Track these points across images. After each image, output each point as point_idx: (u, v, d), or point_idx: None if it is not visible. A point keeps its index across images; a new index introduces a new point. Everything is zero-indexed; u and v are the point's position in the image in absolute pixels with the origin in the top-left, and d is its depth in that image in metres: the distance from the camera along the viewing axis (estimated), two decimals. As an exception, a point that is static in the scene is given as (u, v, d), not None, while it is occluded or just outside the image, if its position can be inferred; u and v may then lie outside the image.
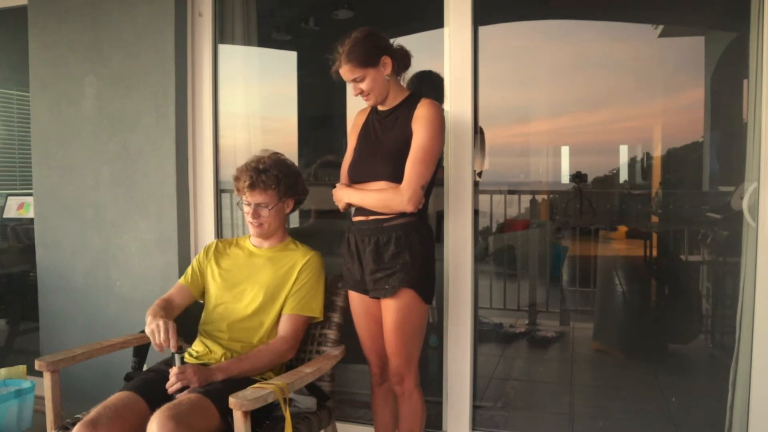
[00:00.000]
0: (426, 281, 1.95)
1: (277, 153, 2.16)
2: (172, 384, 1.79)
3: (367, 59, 1.90)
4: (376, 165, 1.95)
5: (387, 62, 1.92)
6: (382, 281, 1.92)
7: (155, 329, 1.82)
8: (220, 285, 2.12)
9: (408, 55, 2.03)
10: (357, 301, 2.06)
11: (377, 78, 1.92)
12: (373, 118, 2.04)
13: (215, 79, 2.74)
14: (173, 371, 1.80)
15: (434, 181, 1.97)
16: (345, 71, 1.93)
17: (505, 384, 3.29)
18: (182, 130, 2.68)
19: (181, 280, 2.17)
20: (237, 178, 2.09)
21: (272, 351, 1.97)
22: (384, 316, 1.96)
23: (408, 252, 1.90)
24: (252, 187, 2.05)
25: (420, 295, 1.92)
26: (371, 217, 1.95)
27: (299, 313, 2.04)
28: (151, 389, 1.83)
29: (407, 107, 1.95)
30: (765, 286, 2.08)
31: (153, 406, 1.71)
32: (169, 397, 1.77)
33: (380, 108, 2.02)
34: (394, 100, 1.99)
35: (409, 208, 1.86)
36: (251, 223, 2.09)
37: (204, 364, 1.93)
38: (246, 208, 2.09)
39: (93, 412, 1.70)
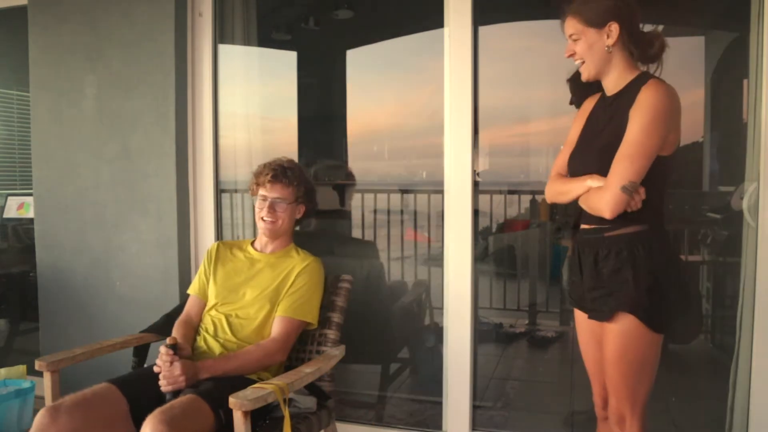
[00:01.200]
0: (652, 305, 1.58)
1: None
2: (163, 386, 1.80)
3: (591, 18, 1.61)
4: (589, 161, 1.66)
5: (613, 31, 1.60)
6: (599, 302, 1.65)
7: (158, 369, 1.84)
8: (221, 286, 2.12)
9: (656, 41, 1.63)
10: (580, 319, 1.79)
11: (594, 44, 1.62)
12: (600, 105, 1.74)
13: (215, 79, 2.74)
14: (161, 364, 1.82)
15: (666, 182, 1.66)
16: (567, 23, 1.67)
17: (505, 384, 3.29)
18: (182, 130, 2.68)
19: (191, 291, 2.19)
20: (258, 174, 2.12)
21: (261, 351, 1.96)
22: (604, 342, 1.67)
23: (630, 269, 1.58)
24: (275, 179, 2.08)
25: (644, 322, 1.58)
26: (594, 226, 1.67)
27: (291, 316, 2.03)
28: (135, 386, 1.84)
29: (632, 91, 1.60)
30: (765, 286, 2.08)
31: (133, 403, 1.74)
32: (152, 394, 1.77)
33: (606, 92, 1.70)
34: (620, 82, 1.66)
35: (606, 213, 1.55)
36: (264, 219, 2.09)
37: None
38: (261, 204, 2.09)
39: (60, 399, 1.71)
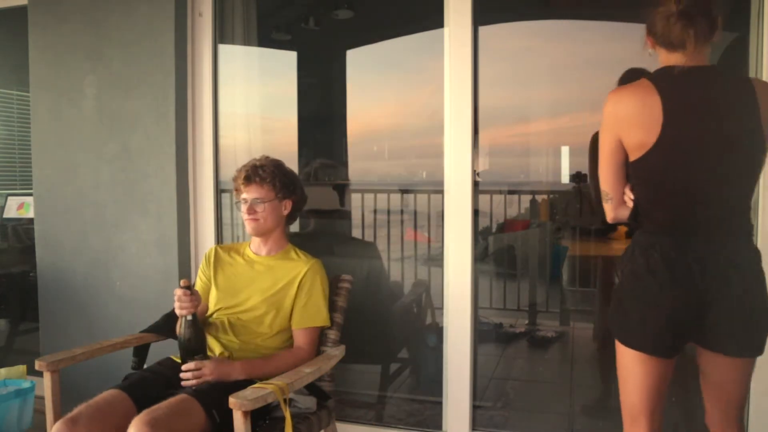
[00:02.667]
0: (613, 314, 1.61)
1: (277, 160, 2.20)
2: (187, 378, 1.82)
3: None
4: None
5: (644, 35, 1.59)
6: None
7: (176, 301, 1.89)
8: (222, 291, 2.12)
9: (663, 23, 1.53)
10: None
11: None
12: None
13: (215, 79, 2.74)
14: (189, 366, 1.84)
15: (644, 188, 1.55)
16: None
17: (505, 384, 3.29)
18: (182, 130, 2.68)
19: None
20: (235, 178, 2.14)
21: (295, 358, 1.99)
22: None
23: (617, 275, 1.63)
24: (248, 180, 2.09)
25: (612, 330, 1.62)
26: None
27: (310, 325, 2.07)
28: (140, 388, 1.84)
29: None
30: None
31: (141, 406, 1.72)
32: (160, 398, 1.77)
33: None
34: None
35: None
36: (247, 220, 2.10)
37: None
38: (243, 206, 2.11)
39: (75, 410, 1.70)
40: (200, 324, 1.92)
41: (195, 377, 1.83)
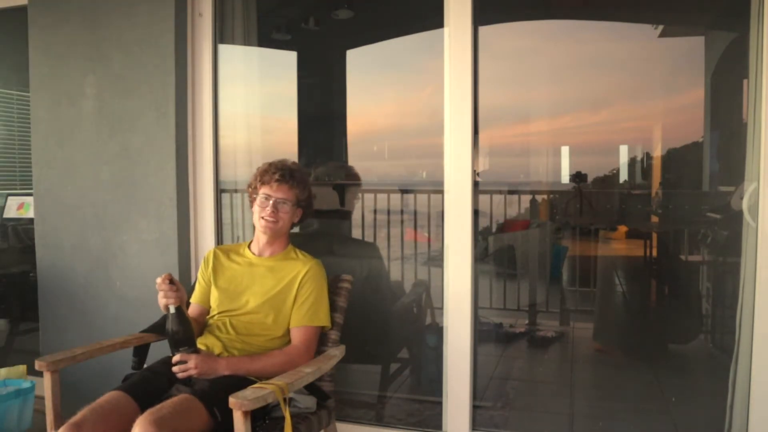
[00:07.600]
0: None
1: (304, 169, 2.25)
2: (175, 371, 1.84)
3: None
4: None
5: None
6: None
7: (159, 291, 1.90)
8: (223, 293, 2.12)
9: None
10: None
11: None
12: None
13: (215, 79, 2.74)
14: (176, 359, 1.86)
15: None
16: None
17: (505, 384, 3.29)
18: (182, 130, 2.68)
19: (193, 299, 2.18)
20: (264, 172, 2.10)
21: (285, 356, 1.98)
22: None
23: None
24: (282, 179, 2.06)
25: None
26: None
27: (307, 324, 2.05)
28: (143, 389, 1.83)
29: None
30: (765, 286, 2.08)
31: (144, 406, 1.71)
32: (162, 397, 1.77)
33: None
34: None
35: None
36: (265, 218, 2.06)
37: None
38: (263, 203, 2.07)
39: (79, 414, 1.69)
40: (187, 316, 1.92)
41: (181, 370, 1.84)
